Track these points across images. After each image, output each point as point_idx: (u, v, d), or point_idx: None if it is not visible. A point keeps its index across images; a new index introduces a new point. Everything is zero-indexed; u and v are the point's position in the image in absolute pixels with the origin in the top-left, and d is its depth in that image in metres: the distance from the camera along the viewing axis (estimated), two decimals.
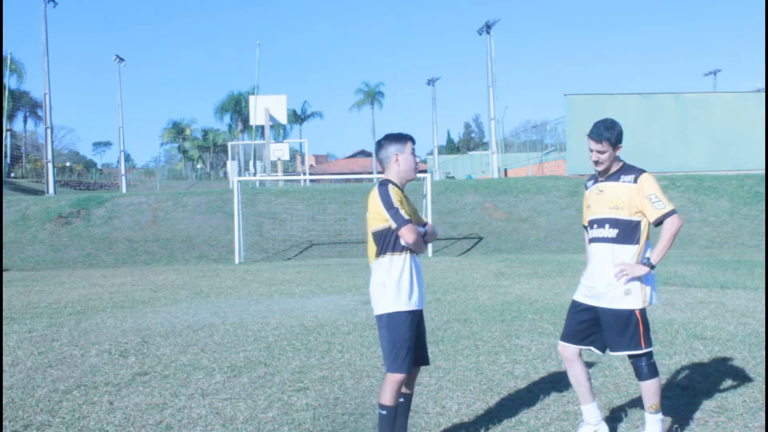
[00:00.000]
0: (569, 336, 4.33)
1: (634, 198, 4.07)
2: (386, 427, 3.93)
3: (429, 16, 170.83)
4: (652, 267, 4.05)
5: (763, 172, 28.05)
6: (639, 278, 4.07)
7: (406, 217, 3.85)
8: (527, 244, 22.30)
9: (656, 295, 4.21)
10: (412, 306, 3.91)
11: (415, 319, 3.95)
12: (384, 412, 3.91)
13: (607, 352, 4.30)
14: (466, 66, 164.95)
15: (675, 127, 33.83)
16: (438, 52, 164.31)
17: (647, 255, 4.10)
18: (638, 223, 4.09)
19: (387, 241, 3.92)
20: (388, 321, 3.90)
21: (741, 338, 7.04)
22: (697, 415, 4.73)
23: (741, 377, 5.58)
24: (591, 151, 4.19)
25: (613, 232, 4.11)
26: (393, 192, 3.90)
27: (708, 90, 50.97)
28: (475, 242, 22.59)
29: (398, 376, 3.88)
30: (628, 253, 4.09)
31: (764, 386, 5.28)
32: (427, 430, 4.60)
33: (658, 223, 4.04)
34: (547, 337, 7.40)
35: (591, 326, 4.24)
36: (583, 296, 4.29)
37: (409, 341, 3.88)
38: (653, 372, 4.13)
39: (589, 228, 4.31)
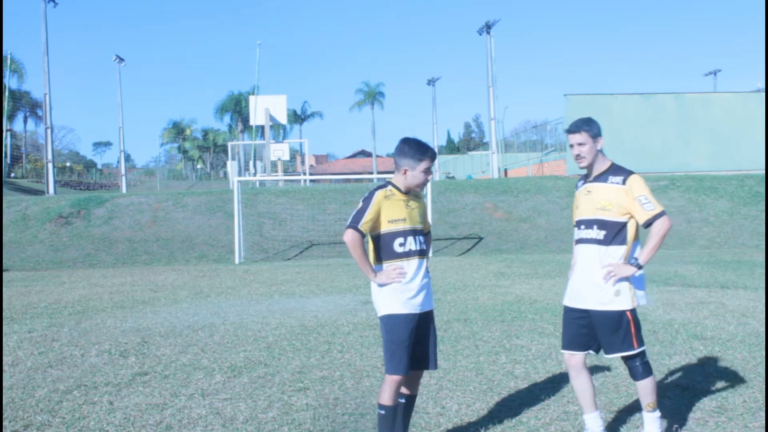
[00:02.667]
0: (572, 343, 4.28)
1: (623, 199, 4.06)
2: (386, 427, 3.93)
3: (429, 16, 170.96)
4: (640, 267, 4.05)
5: (763, 172, 28.04)
6: (627, 279, 4.07)
7: (360, 222, 3.84)
8: (527, 244, 22.30)
9: (645, 296, 4.19)
10: (410, 309, 3.91)
11: (415, 321, 3.94)
12: (383, 412, 3.91)
13: (601, 353, 4.29)
14: (466, 66, 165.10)
15: (675, 127, 33.80)
16: (438, 52, 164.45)
17: (635, 255, 4.10)
18: (625, 224, 4.09)
19: (384, 249, 3.94)
20: (387, 322, 3.92)
21: (741, 338, 7.04)
22: (697, 415, 4.73)
23: (741, 377, 5.58)
24: (571, 146, 4.22)
25: (600, 234, 4.11)
26: (377, 197, 3.90)
27: (708, 90, 50.98)
28: (475, 242, 22.58)
29: (396, 377, 3.88)
30: (616, 254, 4.09)
31: (764, 386, 5.28)
32: (427, 430, 4.60)
33: (648, 224, 4.03)
34: (548, 337, 7.40)
35: (590, 330, 4.21)
36: (572, 300, 4.27)
37: (406, 342, 3.88)
38: (647, 371, 4.13)
39: (576, 228, 4.31)
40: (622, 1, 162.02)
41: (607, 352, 4.18)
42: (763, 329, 7.42)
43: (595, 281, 4.10)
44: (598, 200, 4.13)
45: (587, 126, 4.15)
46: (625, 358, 4.17)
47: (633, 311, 4.09)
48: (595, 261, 4.11)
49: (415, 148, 3.96)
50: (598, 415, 4.29)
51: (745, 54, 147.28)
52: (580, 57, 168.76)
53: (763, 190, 25.82)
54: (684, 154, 33.13)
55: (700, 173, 29.67)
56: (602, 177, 4.18)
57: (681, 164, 32.35)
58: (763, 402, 4.92)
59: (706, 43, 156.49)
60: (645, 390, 4.13)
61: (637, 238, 4.15)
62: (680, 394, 5.18)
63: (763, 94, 34.71)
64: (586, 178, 4.31)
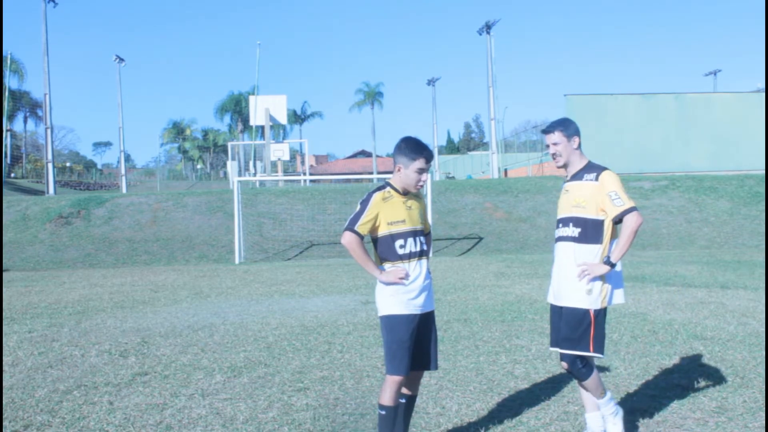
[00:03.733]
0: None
1: (597, 196, 4.09)
2: (386, 428, 3.93)
3: (429, 16, 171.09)
4: (613, 265, 4.05)
5: (763, 172, 28.05)
6: (601, 277, 4.07)
7: (356, 224, 3.85)
8: (527, 244, 22.30)
9: (621, 293, 4.20)
10: (411, 309, 3.91)
11: (416, 322, 3.94)
12: (383, 413, 3.91)
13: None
14: (466, 66, 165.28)
15: (675, 127, 33.82)
16: (438, 52, 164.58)
17: (609, 253, 4.11)
18: (602, 222, 4.10)
19: (385, 251, 3.93)
20: (387, 323, 3.92)
21: (741, 338, 7.04)
22: (697, 415, 4.73)
23: (741, 377, 5.58)
24: (548, 146, 4.29)
25: (576, 231, 4.14)
26: (375, 199, 3.90)
27: (708, 90, 51.00)
28: (475, 242, 22.58)
29: (396, 378, 3.88)
30: (591, 252, 4.09)
31: (764, 386, 5.28)
32: (427, 430, 4.61)
33: (618, 220, 4.05)
34: (548, 337, 7.38)
35: None
36: (552, 297, 4.32)
37: (406, 343, 3.88)
38: (590, 369, 4.14)
39: (555, 227, 4.35)
40: (622, 1, 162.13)
41: (561, 347, 4.16)
42: (763, 329, 7.42)
43: (570, 279, 4.12)
44: (574, 198, 4.18)
45: (561, 126, 4.22)
46: (568, 362, 4.14)
47: (598, 314, 4.09)
48: (570, 259, 4.14)
49: (412, 147, 3.95)
50: (600, 415, 4.29)
51: (745, 54, 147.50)
52: (580, 57, 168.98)
53: (763, 190, 25.82)
54: (684, 154, 33.15)
55: (700, 173, 29.67)
56: (578, 175, 4.23)
57: (681, 164, 32.37)
58: (763, 402, 4.92)
59: (706, 43, 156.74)
60: (593, 385, 4.15)
61: (613, 236, 4.15)
62: (680, 394, 5.18)
63: (763, 94, 34.73)
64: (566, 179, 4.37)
